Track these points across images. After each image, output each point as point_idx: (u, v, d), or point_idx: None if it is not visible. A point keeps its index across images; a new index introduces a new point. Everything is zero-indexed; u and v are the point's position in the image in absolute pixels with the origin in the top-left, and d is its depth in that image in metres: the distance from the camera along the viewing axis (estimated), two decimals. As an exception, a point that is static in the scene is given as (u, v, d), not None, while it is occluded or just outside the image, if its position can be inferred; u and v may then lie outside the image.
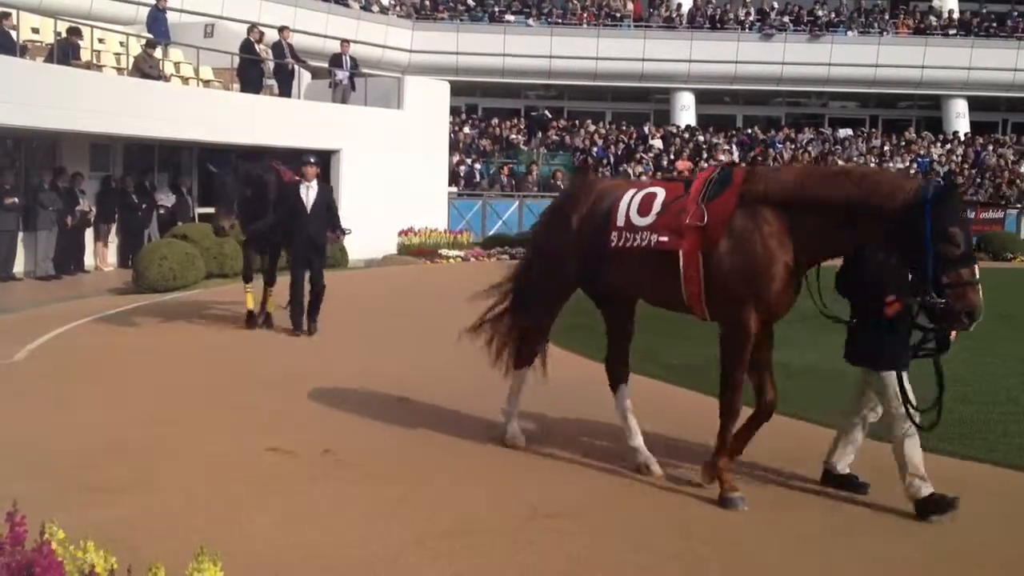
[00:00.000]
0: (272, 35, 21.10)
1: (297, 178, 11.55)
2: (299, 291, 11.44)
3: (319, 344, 11.04)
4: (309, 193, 11.20)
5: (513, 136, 31.66)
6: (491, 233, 24.83)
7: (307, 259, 11.35)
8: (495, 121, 33.31)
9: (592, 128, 33.19)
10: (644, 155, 31.15)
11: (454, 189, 25.89)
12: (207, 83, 20.18)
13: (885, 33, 35.23)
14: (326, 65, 22.54)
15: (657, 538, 5.18)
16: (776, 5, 35.93)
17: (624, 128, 33.87)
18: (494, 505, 5.59)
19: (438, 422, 7.49)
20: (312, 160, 11.38)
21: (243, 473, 6.06)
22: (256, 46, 20.22)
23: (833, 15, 35.74)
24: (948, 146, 33.83)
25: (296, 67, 21.16)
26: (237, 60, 19.88)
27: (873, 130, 36.16)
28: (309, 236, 11.18)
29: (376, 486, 5.89)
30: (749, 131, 34.67)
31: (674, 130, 33.87)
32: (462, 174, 27.34)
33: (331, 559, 4.75)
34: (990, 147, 33.54)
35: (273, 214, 11.46)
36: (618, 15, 35.28)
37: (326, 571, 4.63)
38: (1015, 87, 35.21)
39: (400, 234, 22.04)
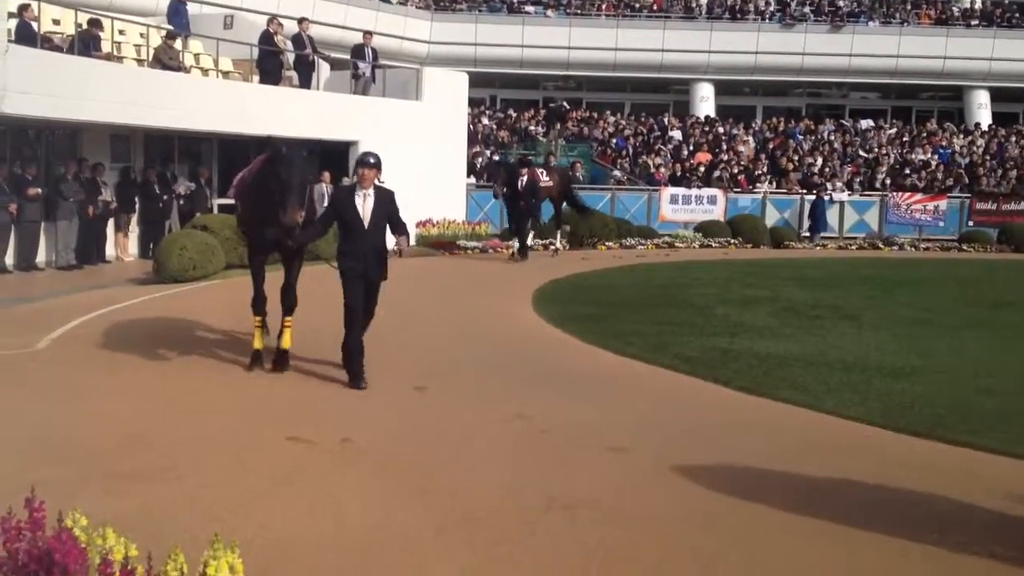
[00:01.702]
0: (291, 26, 21.14)
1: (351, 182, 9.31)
2: (356, 337, 8.40)
3: (337, 335, 11.04)
4: (366, 203, 8.30)
5: (531, 127, 31.62)
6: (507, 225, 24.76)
7: (362, 285, 8.37)
8: (513, 112, 33.28)
9: (611, 119, 33.10)
10: (663, 146, 31.04)
11: (472, 180, 25.89)
12: (227, 74, 20.24)
13: (906, 24, 34.97)
14: (345, 56, 22.57)
15: (675, 530, 5.17)
16: (796, -5, 35.73)
17: (643, 119, 33.77)
18: (511, 495, 5.59)
19: (455, 411, 7.51)
20: (371, 161, 8.40)
21: (262, 462, 6.09)
22: (275, 37, 20.27)
23: (854, 5, 35.53)
24: (970, 137, 33.55)
25: (316, 58, 21.20)
26: (256, 51, 19.94)
27: (894, 121, 35.91)
28: (365, 255, 8.28)
29: (394, 475, 5.91)
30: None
31: (693, 120, 33.75)
32: (481, 166, 27.33)
33: (348, 548, 4.77)
34: (1012, 138, 33.24)
35: (319, 223, 8.79)
36: (637, 5, 35.15)
37: (343, 560, 4.64)
38: (1037, 77, 34.89)
39: (418, 225, 22.07)
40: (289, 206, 8.05)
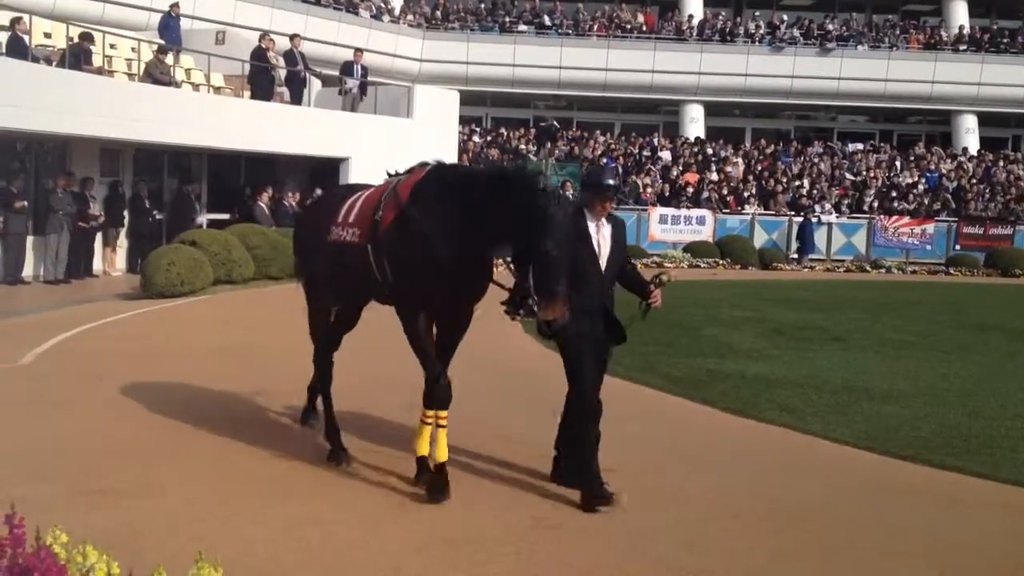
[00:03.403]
0: (283, 43, 21.18)
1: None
2: (590, 444, 5.90)
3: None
4: (600, 235, 5.97)
5: (522, 146, 31.71)
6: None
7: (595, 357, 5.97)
8: (504, 131, 33.37)
9: (601, 139, 33.22)
10: (652, 167, 31.16)
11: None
12: (218, 90, 20.27)
13: (895, 48, 35.21)
14: (336, 73, 22.62)
15: (660, 549, 5.16)
16: (786, 18, 35.94)
17: (633, 139, 33.91)
18: (497, 513, 5.58)
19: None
20: (610, 184, 6.08)
21: (246, 479, 6.06)
22: (267, 53, 20.32)
23: (844, 29, 35.75)
24: (957, 161, 33.77)
25: (307, 75, 21.25)
26: (248, 67, 19.97)
27: (882, 144, 36.12)
28: (597, 312, 5.95)
29: (379, 494, 5.89)
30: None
31: (683, 142, 33.90)
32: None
33: (333, 566, 4.75)
34: (1000, 163, 33.47)
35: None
36: (628, 26, 35.34)
37: (328, 578, 4.63)
38: (1025, 103, 35.17)
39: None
40: (552, 295, 5.28)
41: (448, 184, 5.94)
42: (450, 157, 24.14)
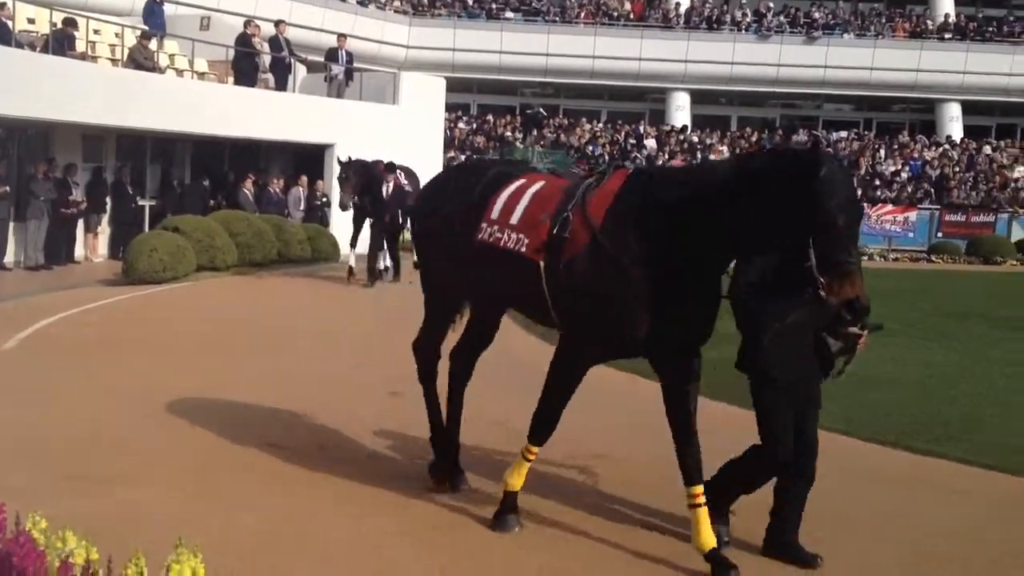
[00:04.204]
0: (268, 28, 21.07)
1: None
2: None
3: (310, 340, 11.02)
4: None
5: (508, 133, 31.67)
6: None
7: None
8: (490, 118, 33.32)
9: (587, 127, 33.21)
10: (638, 154, 31.19)
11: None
12: (202, 75, 20.14)
13: (881, 36, 35.28)
14: (322, 59, 22.51)
15: (644, 537, 5.19)
16: (772, 6, 35.96)
17: (619, 127, 33.90)
18: (481, 500, 5.59)
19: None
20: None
21: (232, 468, 6.05)
22: (252, 39, 20.21)
23: (830, 17, 35.80)
24: (941, 149, 33.90)
25: (292, 61, 21.14)
26: (232, 53, 19.86)
27: (867, 132, 36.23)
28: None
29: (367, 483, 5.88)
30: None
31: (668, 129, 33.92)
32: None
33: (319, 554, 4.75)
34: (984, 150, 33.62)
35: None
36: (615, 14, 35.29)
37: (313, 566, 4.63)
38: (1009, 91, 35.29)
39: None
40: (844, 267, 4.35)
41: (667, 197, 4.72)
42: (436, 144, 24.13)
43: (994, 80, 34.95)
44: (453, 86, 27.81)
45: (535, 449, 5.17)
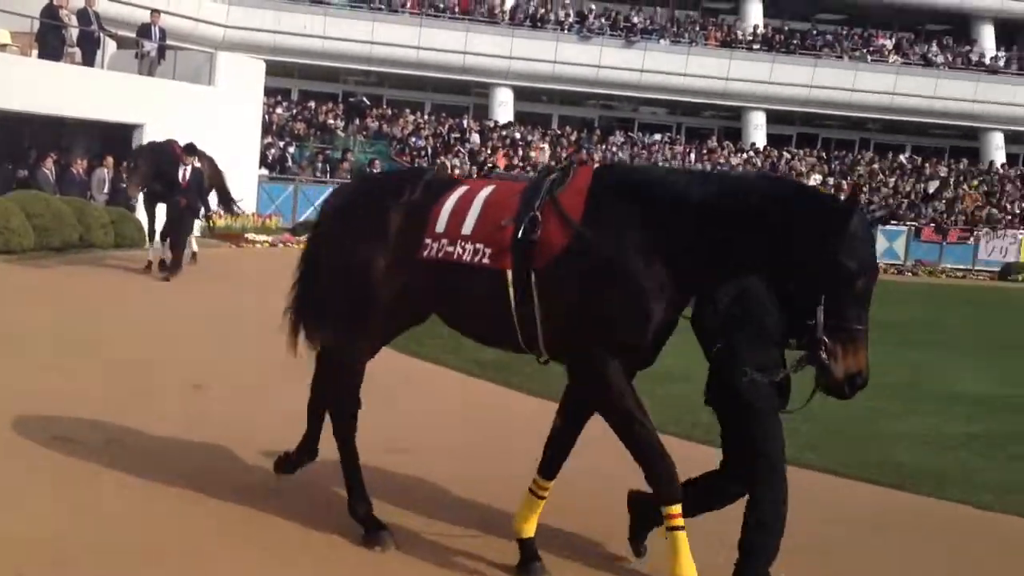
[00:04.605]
0: (77, 0, 20.02)
1: None
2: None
3: (106, 323, 10.57)
4: None
5: (331, 121, 31.23)
6: (302, 219, 24.42)
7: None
8: (312, 105, 32.76)
9: (411, 118, 33.14)
10: (461, 148, 31.37)
11: (265, 172, 25.32)
12: (3, 47, 18.95)
13: (694, 44, 36.76)
14: (133, 35, 21.56)
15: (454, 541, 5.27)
16: (595, 8, 36.88)
17: (443, 120, 34.00)
18: (280, 496, 5.53)
19: (231, 408, 7.33)
20: None
21: (28, 461, 5.77)
22: (60, 11, 19.17)
23: (648, 22, 37.02)
24: (746, 155, 35.67)
25: (101, 35, 20.17)
26: (37, 25, 18.79)
27: (678, 136, 37.73)
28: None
29: (158, 474, 5.71)
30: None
31: (492, 125, 34.27)
32: (274, 157, 26.77)
33: (114, 549, 4.61)
34: (784, 157, 35.61)
35: None
36: (441, 6, 35.34)
37: (107, 557, 4.49)
38: (809, 103, 37.51)
39: (206, 218, 21.33)
40: (854, 336, 4.05)
41: (663, 198, 4.37)
42: (254, 128, 23.55)
43: (796, 91, 37.06)
44: (274, 70, 27.21)
45: (676, 509, 4.36)
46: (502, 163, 30.47)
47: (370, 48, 34.03)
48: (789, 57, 37.12)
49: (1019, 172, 38.12)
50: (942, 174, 36.47)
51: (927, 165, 37.33)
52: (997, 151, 39.42)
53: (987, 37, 40.35)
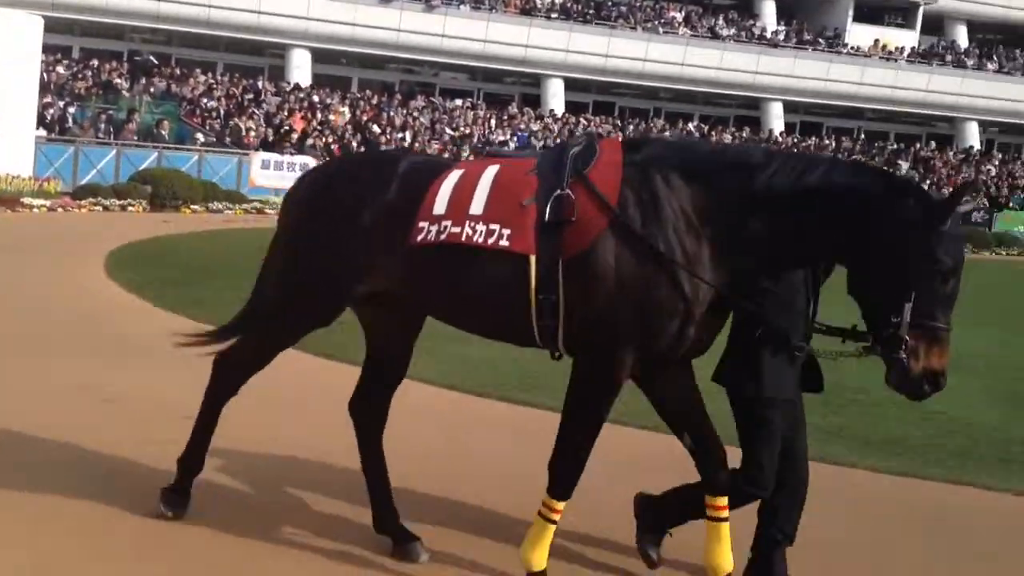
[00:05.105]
0: None
1: None
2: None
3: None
4: None
5: (117, 80, 29.62)
6: (83, 182, 23.09)
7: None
8: (95, 63, 30.97)
9: (202, 78, 31.88)
10: (256, 110, 30.47)
11: (43, 133, 23.79)
12: None
13: (494, 11, 37.01)
14: None
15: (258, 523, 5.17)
16: (395, -29, 36.49)
17: (236, 80, 32.89)
18: (94, 483, 5.28)
19: (7, 385, 6.90)
20: None
21: None
22: None
23: (449, -12, 37.00)
24: (544, 122, 36.33)
25: None
26: None
27: (480, 102, 37.99)
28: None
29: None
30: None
31: (290, 88, 33.44)
32: (52, 118, 25.17)
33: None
34: (582, 124, 36.51)
35: None
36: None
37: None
38: (606, 72, 38.57)
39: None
40: (937, 335, 3.78)
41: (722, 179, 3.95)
42: (30, 87, 22.05)
43: (593, 60, 38.01)
44: (52, 26, 25.57)
45: (560, 506, 4.08)
46: (299, 126, 29.81)
47: (157, 5, 32.50)
48: (585, 27, 37.97)
49: (796, 139, 40.56)
50: (727, 142, 38.35)
51: (713, 133, 39.17)
52: (776, 120, 41.94)
53: (769, 13, 42.73)
